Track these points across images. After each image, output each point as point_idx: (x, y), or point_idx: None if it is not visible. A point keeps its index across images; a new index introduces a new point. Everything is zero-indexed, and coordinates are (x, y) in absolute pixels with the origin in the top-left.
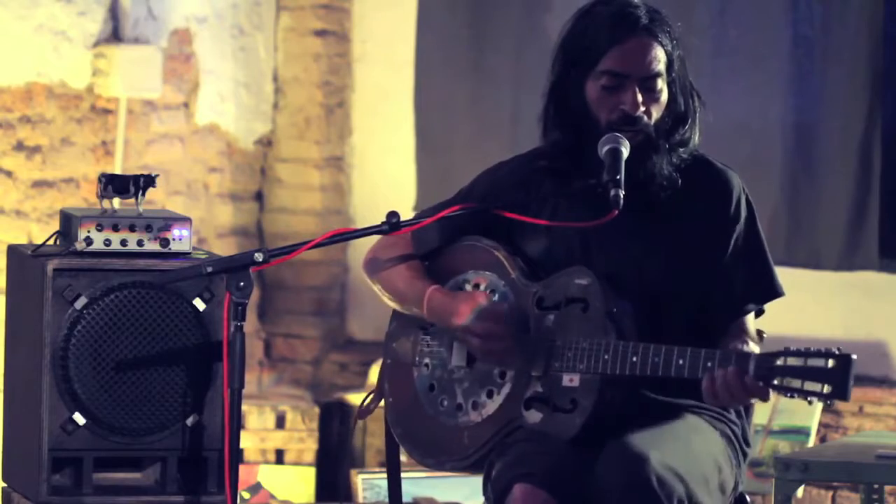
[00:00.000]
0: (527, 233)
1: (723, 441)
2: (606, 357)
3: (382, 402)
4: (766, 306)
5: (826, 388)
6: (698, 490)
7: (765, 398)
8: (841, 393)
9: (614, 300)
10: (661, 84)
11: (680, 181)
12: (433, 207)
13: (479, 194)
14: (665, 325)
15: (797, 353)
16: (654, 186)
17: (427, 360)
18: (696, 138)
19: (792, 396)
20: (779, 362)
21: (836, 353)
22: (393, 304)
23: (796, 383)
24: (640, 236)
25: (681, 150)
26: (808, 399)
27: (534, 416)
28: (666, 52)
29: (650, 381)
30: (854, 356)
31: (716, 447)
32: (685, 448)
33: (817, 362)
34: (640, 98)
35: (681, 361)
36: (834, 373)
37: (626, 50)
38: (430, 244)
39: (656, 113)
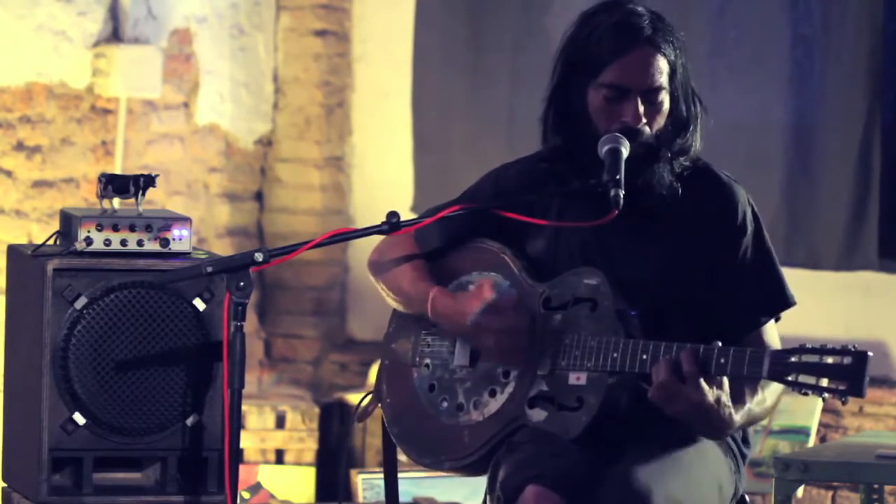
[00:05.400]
0: (530, 234)
1: (724, 456)
2: (616, 355)
3: (380, 405)
4: None
5: (841, 385)
6: None
7: None
8: (856, 390)
9: (623, 303)
10: (664, 95)
11: (680, 190)
12: (437, 207)
13: (483, 195)
14: (669, 331)
15: (812, 351)
16: (653, 195)
17: (428, 361)
18: (698, 144)
19: (806, 393)
20: (794, 359)
21: (852, 349)
22: (397, 306)
23: (811, 380)
24: (643, 244)
25: (682, 157)
26: (823, 396)
27: (538, 415)
28: (669, 62)
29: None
30: (870, 353)
31: (718, 467)
32: (687, 478)
33: (832, 359)
34: (641, 110)
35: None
36: (849, 369)
37: (628, 62)
38: (434, 242)
39: (658, 123)
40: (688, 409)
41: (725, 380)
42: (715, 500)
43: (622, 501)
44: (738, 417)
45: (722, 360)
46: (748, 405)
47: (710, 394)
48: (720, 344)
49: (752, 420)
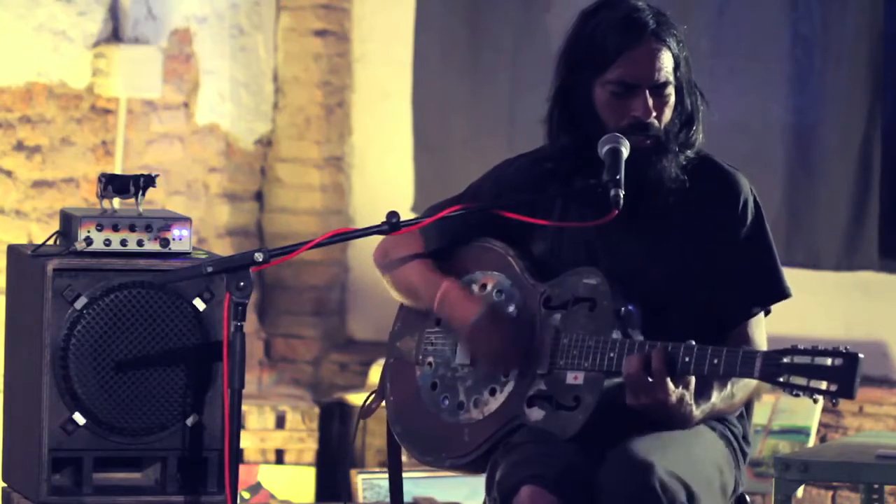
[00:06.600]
0: (534, 234)
1: (723, 443)
2: (612, 355)
3: (384, 403)
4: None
5: (832, 387)
6: (701, 494)
7: None
8: (847, 391)
9: (623, 301)
10: (670, 89)
11: (687, 183)
12: (440, 204)
13: (485, 193)
14: (670, 327)
15: (804, 352)
16: (663, 190)
17: (430, 359)
18: (701, 137)
19: (797, 395)
20: (785, 360)
21: (843, 351)
22: (402, 299)
23: (802, 381)
24: (646, 238)
25: (688, 151)
26: (814, 397)
27: (536, 414)
28: (674, 55)
29: None
30: (861, 355)
31: (717, 451)
32: (687, 453)
33: (824, 360)
34: (651, 103)
35: (687, 359)
36: (840, 371)
37: (635, 57)
38: (439, 241)
39: (666, 117)
40: (650, 405)
41: (693, 378)
42: (715, 481)
43: (623, 476)
44: (697, 413)
45: (715, 361)
46: (712, 400)
47: (675, 394)
48: (694, 343)
49: (715, 415)
